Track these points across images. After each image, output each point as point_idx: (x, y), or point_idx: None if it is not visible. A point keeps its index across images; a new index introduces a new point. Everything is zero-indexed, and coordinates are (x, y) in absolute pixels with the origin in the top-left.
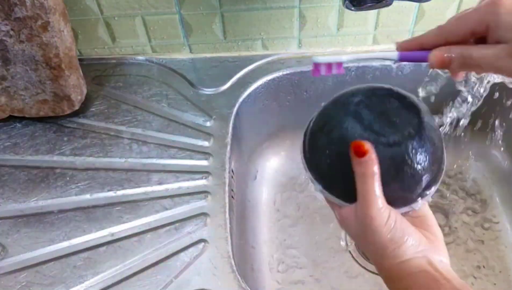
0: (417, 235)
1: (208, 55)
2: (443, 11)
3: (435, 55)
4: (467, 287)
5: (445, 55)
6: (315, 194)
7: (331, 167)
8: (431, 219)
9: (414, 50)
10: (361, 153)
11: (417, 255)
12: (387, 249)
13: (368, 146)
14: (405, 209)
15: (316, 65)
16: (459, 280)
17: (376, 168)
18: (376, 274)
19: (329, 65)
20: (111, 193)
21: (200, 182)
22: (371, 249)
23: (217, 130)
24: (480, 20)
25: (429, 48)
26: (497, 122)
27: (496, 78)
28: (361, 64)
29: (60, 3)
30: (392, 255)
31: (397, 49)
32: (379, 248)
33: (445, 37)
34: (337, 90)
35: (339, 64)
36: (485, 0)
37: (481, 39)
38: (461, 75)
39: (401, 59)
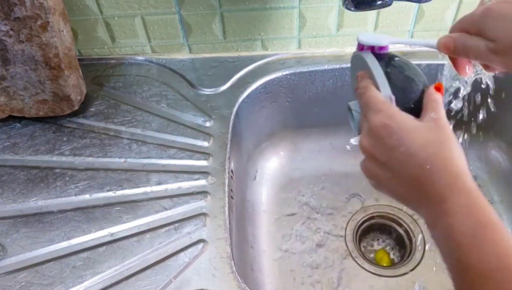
0: None
1: (208, 55)
2: (443, 11)
3: (441, 40)
4: None
5: (447, 40)
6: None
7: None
8: None
9: None
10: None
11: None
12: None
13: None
14: None
15: (360, 44)
16: None
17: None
18: (376, 274)
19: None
20: (110, 193)
21: (199, 183)
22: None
23: (216, 130)
24: (472, 22)
25: None
26: (496, 122)
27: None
28: None
29: (59, 3)
30: None
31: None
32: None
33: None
34: (336, 90)
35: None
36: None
37: None
38: (465, 71)
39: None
